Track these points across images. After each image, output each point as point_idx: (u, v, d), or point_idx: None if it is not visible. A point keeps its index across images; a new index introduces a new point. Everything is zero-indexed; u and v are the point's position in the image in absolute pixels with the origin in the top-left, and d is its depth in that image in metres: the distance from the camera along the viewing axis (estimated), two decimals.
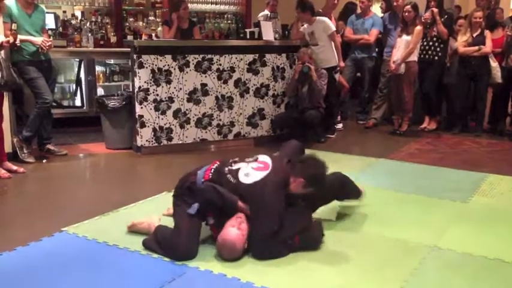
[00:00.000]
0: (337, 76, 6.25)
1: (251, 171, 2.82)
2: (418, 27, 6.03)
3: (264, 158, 2.92)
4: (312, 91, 5.58)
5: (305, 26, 6.10)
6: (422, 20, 6.20)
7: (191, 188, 2.84)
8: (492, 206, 3.71)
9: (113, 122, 5.27)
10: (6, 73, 4.12)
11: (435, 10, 6.27)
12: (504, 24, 6.57)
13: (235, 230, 2.69)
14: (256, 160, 2.91)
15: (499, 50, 6.30)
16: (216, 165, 2.92)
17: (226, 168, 2.87)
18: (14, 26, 4.30)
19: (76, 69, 6.37)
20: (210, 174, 2.84)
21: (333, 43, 6.01)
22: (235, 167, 2.88)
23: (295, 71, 5.62)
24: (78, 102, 6.45)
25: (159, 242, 2.77)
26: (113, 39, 6.55)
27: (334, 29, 6.06)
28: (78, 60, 6.33)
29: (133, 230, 3.04)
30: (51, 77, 4.96)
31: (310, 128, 5.68)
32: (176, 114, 5.24)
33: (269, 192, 2.74)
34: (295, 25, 6.32)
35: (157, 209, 3.44)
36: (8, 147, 4.56)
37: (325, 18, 6.07)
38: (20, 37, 4.40)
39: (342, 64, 6.31)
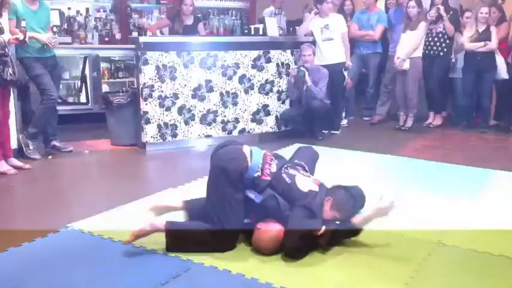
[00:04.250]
0: (346, 74, 6.26)
1: (307, 180, 2.91)
2: (422, 23, 6.01)
3: (316, 177, 3.06)
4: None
5: (312, 17, 6.06)
6: (428, 18, 6.17)
7: (243, 173, 2.77)
8: (498, 202, 3.69)
9: (118, 119, 5.28)
10: (17, 69, 4.14)
11: (441, 7, 6.24)
12: None
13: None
14: (309, 176, 3.02)
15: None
16: (274, 165, 2.90)
17: (282, 171, 2.90)
18: (23, 24, 4.31)
19: (81, 66, 6.39)
20: (270, 175, 2.84)
21: (343, 41, 6.02)
22: (291, 171, 2.92)
23: (291, 75, 5.63)
24: (83, 99, 6.48)
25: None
26: (118, 36, 6.56)
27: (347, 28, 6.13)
28: (83, 56, 6.34)
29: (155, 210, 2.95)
30: (56, 73, 4.98)
31: (315, 119, 5.65)
32: (181, 110, 5.24)
33: (314, 205, 2.78)
34: (307, 22, 6.24)
35: None
36: (13, 144, 4.57)
37: (341, 16, 6.11)
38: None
39: (350, 63, 6.30)
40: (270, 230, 2.71)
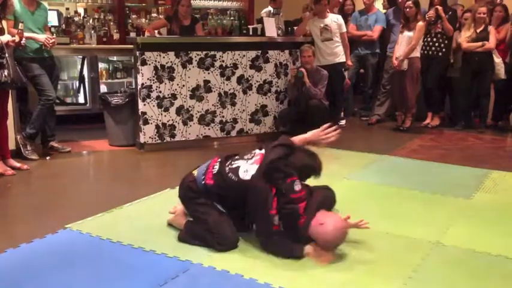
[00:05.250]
0: (346, 74, 6.27)
1: (249, 167, 2.79)
2: (420, 23, 6.01)
3: (260, 151, 2.91)
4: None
5: (310, 17, 6.09)
6: (426, 18, 6.19)
7: (191, 187, 2.88)
8: (496, 202, 3.69)
9: (116, 119, 5.27)
10: (12, 71, 4.14)
11: (439, 8, 6.25)
12: None
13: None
14: (253, 156, 2.88)
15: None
16: (217, 166, 2.87)
17: (227, 168, 2.84)
18: (20, 26, 4.30)
19: (79, 66, 6.38)
20: (213, 177, 2.83)
21: (342, 41, 6.04)
22: (234, 165, 2.84)
23: (291, 76, 5.64)
24: (81, 99, 6.47)
25: (198, 236, 2.85)
26: (116, 36, 6.55)
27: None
28: (81, 57, 6.34)
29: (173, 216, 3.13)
30: (54, 74, 4.97)
31: (313, 120, 5.65)
32: (179, 111, 5.24)
33: (260, 187, 2.70)
34: (304, 22, 6.23)
35: (160, 206, 3.45)
36: (11, 145, 4.57)
37: (339, 16, 6.11)
38: (24, 34, 4.40)
39: (350, 63, 6.31)
40: (331, 222, 2.67)
